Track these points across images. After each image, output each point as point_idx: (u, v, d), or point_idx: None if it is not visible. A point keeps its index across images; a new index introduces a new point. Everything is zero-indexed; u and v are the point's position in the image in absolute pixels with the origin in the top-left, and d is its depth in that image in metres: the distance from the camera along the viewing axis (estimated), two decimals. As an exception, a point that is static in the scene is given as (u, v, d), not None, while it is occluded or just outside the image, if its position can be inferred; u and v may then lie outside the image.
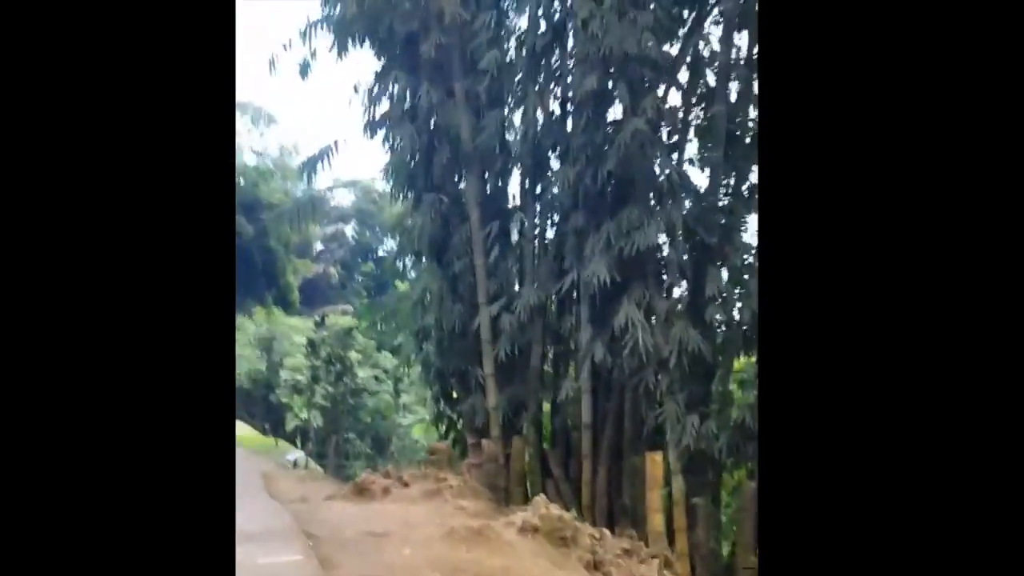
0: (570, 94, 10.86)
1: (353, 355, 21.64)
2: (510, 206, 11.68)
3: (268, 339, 28.65)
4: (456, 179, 11.71)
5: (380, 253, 30.39)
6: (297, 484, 12.60)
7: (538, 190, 11.28)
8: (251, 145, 35.13)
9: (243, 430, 25.04)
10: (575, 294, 10.53)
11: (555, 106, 11.34)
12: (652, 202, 9.78)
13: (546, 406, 11.48)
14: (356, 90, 12.62)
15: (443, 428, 12.54)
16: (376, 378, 24.14)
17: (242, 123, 54.12)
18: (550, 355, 11.52)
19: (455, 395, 12.06)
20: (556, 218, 10.92)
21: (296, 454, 20.28)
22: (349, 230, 43.92)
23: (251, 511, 8.08)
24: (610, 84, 9.91)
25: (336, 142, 12.73)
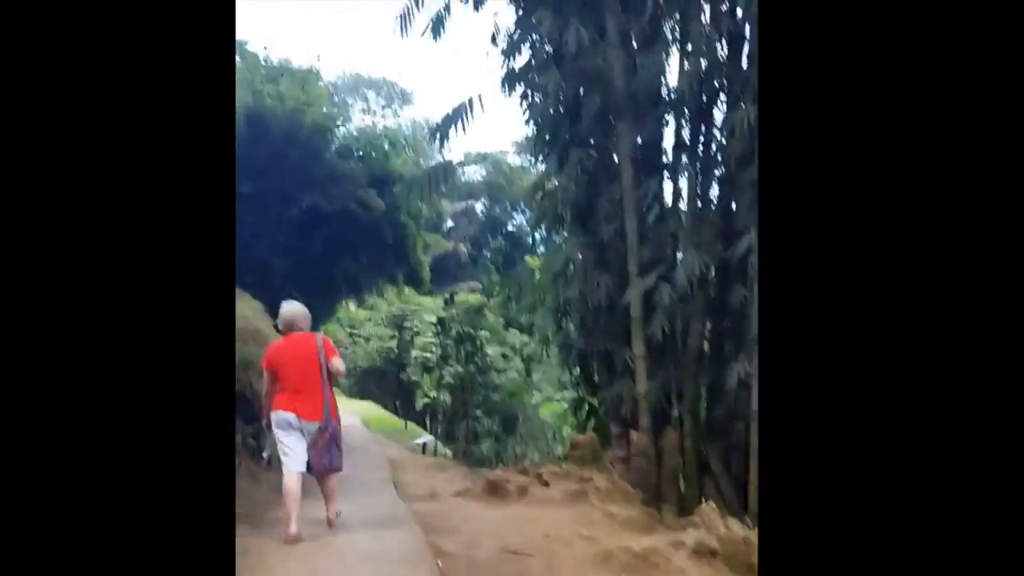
0: (746, 28, 9.16)
1: (483, 334, 20.80)
2: (668, 160, 10.04)
3: (400, 317, 28.37)
4: (607, 132, 10.15)
5: (510, 228, 29.12)
6: (425, 474, 11.51)
7: (701, 142, 9.62)
8: (384, 124, 34.95)
9: (374, 410, 24.67)
10: (749, 261, 8.80)
11: (723, 46, 9.63)
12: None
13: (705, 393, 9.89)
14: (494, 40, 11.32)
15: (583, 416, 11.14)
16: (504, 356, 23.28)
17: (375, 102, 54.51)
18: (713, 334, 9.88)
19: (597, 379, 10.62)
20: (722, 172, 9.10)
21: (426, 438, 19.59)
22: (479, 206, 43.22)
23: (376, 511, 6.95)
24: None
25: (471, 100, 11.38)
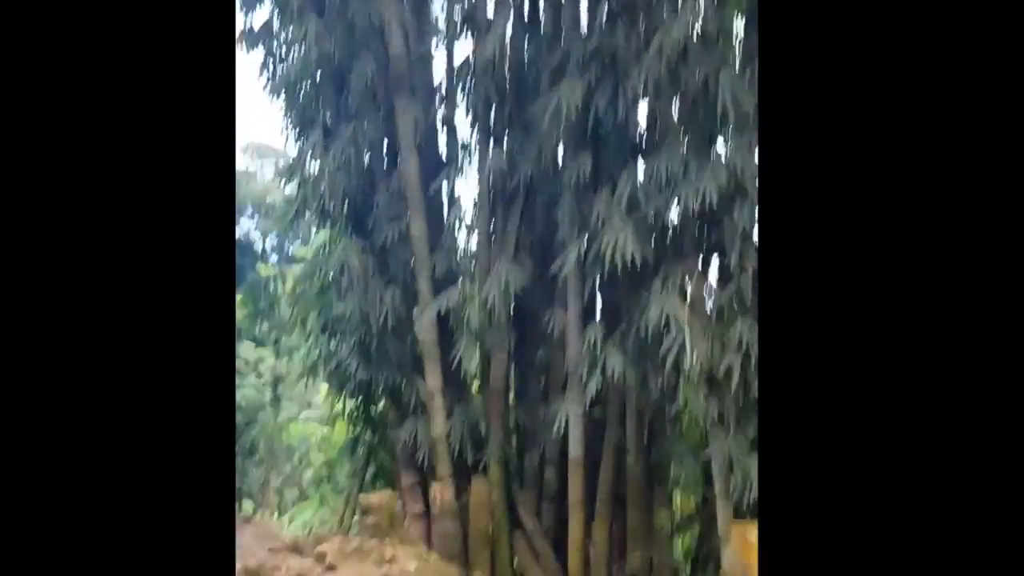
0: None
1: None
2: (465, 145, 8.11)
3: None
4: (382, 108, 8.04)
5: (237, 235, 25.36)
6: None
7: (508, 126, 7.76)
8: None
9: None
10: (565, 279, 7.11)
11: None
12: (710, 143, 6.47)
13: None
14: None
15: (360, 459, 9.02)
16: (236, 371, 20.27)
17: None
18: (522, 366, 8.13)
19: (383, 414, 8.54)
20: (541, 165, 7.06)
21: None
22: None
23: None
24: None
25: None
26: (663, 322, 5.74)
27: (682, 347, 5.68)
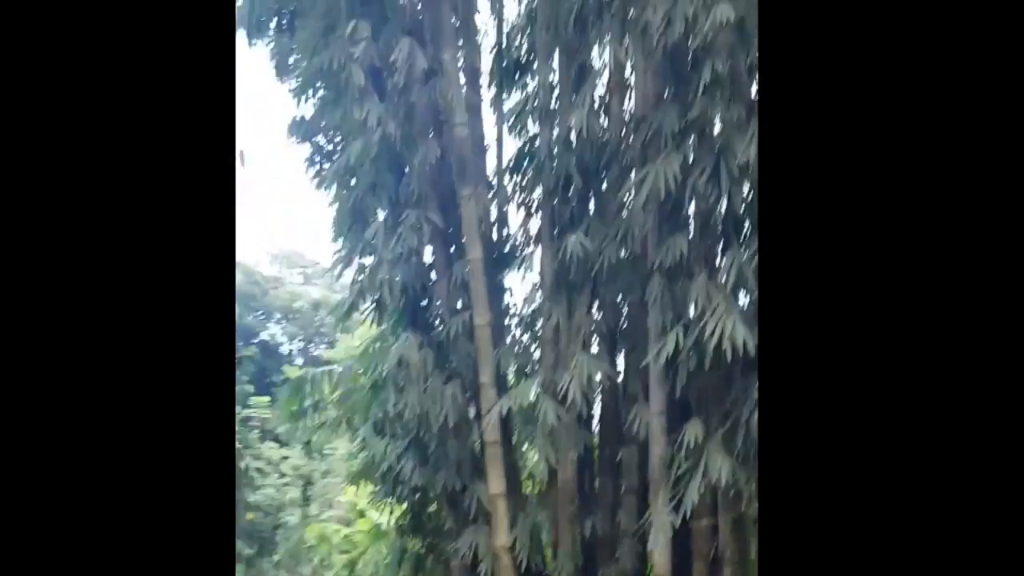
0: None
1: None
2: (533, 234, 7.67)
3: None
4: (449, 194, 7.68)
5: (264, 337, 25.24)
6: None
7: (582, 210, 7.29)
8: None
9: None
10: (646, 371, 6.53)
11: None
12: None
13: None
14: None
15: (408, 572, 8.29)
16: (259, 471, 19.62)
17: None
18: (599, 466, 7.47)
19: (439, 522, 7.86)
20: (625, 250, 6.47)
21: None
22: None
23: None
24: None
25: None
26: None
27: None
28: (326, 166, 8.53)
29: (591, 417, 7.20)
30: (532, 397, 6.70)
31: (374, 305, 7.75)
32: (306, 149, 8.58)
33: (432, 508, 7.89)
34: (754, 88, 5.97)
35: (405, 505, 8.02)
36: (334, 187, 8.10)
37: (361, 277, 7.79)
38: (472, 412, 7.45)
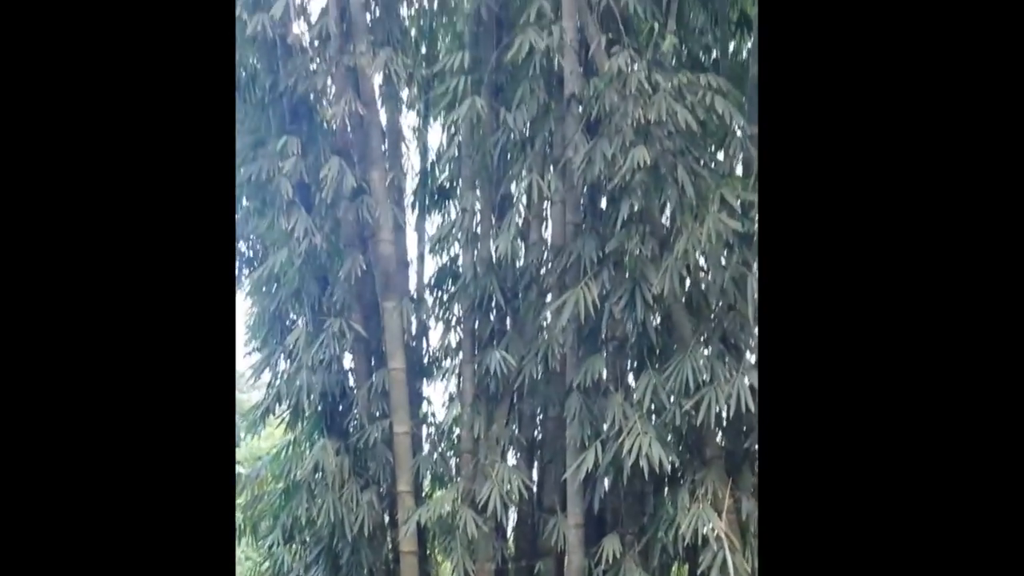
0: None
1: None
2: (454, 347, 8.02)
3: None
4: (372, 306, 7.98)
5: None
6: None
7: (503, 328, 7.76)
8: None
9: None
10: (564, 485, 6.88)
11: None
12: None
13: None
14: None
15: None
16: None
17: None
18: None
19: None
20: (543, 368, 6.76)
21: None
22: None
23: None
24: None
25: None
26: (699, 536, 5.56)
27: (723, 565, 5.47)
28: (245, 272, 8.71)
29: (506, 528, 7.43)
30: (449, 507, 6.89)
31: (290, 409, 7.83)
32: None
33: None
34: (665, 221, 6.59)
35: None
36: (255, 293, 8.29)
37: (278, 382, 7.91)
38: (386, 520, 7.54)
